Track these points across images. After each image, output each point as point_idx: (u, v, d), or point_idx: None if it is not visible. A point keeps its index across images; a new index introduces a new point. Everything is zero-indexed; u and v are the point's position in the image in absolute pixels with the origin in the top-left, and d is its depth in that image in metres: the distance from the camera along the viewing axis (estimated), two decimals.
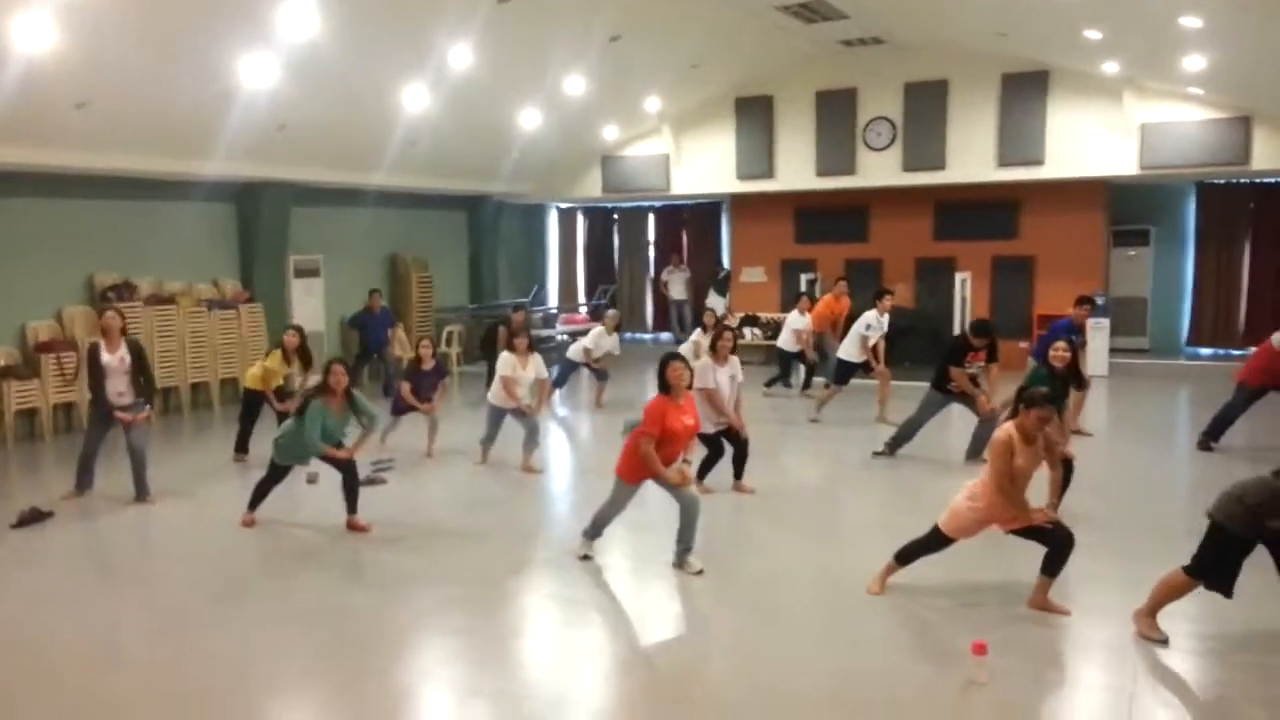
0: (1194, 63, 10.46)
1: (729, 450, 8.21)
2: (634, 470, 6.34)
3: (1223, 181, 14.85)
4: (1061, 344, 7.91)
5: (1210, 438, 9.41)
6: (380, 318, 13.72)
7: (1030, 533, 5.59)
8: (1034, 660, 5.05)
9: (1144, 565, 6.23)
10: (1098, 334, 13.67)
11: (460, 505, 8.22)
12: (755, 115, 15.42)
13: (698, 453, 7.46)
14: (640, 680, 5.04)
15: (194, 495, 8.47)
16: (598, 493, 6.86)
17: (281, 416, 8.99)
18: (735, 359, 8.22)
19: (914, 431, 9.27)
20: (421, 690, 4.92)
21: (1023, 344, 14.17)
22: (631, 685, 4.98)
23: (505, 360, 9.35)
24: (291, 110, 10.57)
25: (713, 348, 8.17)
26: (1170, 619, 5.17)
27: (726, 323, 11.95)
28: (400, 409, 9.92)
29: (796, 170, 15.26)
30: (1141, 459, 9.60)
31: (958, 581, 6.01)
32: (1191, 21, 8.45)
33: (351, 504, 7.37)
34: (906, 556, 5.85)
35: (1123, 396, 12.75)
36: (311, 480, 8.40)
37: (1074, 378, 7.92)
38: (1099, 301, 11.73)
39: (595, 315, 18.22)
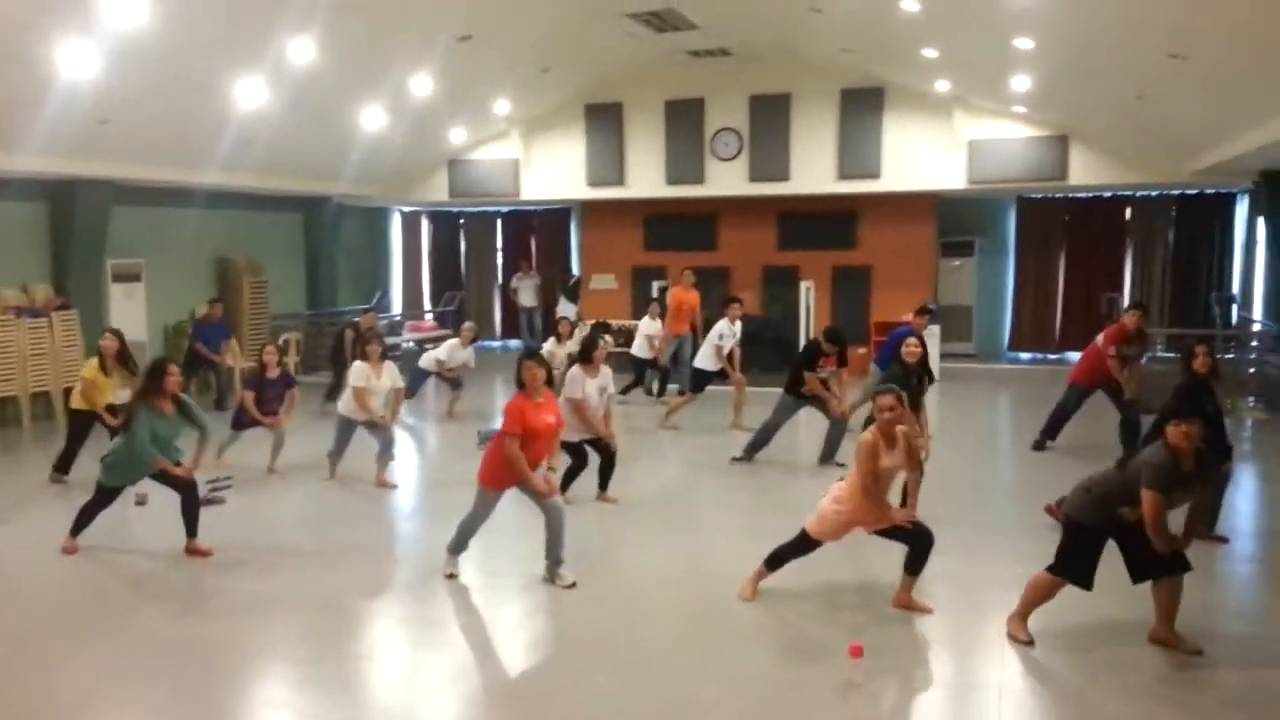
0: (1020, 83, 11.13)
1: (594, 460, 8.11)
2: (497, 475, 6.16)
3: (1040, 196, 15.91)
4: (913, 339, 8.21)
5: (1047, 436, 9.97)
6: (217, 329, 12.93)
7: (892, 533, 5.75)
8: (906, 659, 5.19)
9: (996, 562, 6.59)
10: (930, 341, 14.33)
11: (309, 524, 7.81)
12: (605, 122, 15.42)
13: (562, 461, 7.34)
14: (505, 700, 4.86)
15: (7, 520, 7.69)
16: (457, 506, 6.63)
17: (115, 433, 8.26)
18: (607, 370, 8.12)
19: (770, 436, 9.44)
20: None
21: (861, 350, 14.71)
22: (496, 707, 4.80)
23: (358, 369, 8.91)
24: (115, 103, 9.78)
25: (586, 357, 8.02)
26: (1034, 613, 5.41)
27: (594, 329, 11.80)
28: (241, 423, 9.30)
29: (646, 178, 15.34)
30: (980, 460, 10.11)
31: (825, 584, 6.12)
32: (1024, 43, 8.98)
33: (191, 527, 6.83)
34: (776, 561, 5.91)
35: (954, 400, 13.41)
36: (140, 501, 7.76)
37: (927, 373, 8.25)
38: (934, 310, 12.27)
39: (443, 322, 17.81)
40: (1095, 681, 4.87)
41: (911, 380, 7.78)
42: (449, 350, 12.15)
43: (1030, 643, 5.23)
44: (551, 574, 6.22)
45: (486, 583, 6.38)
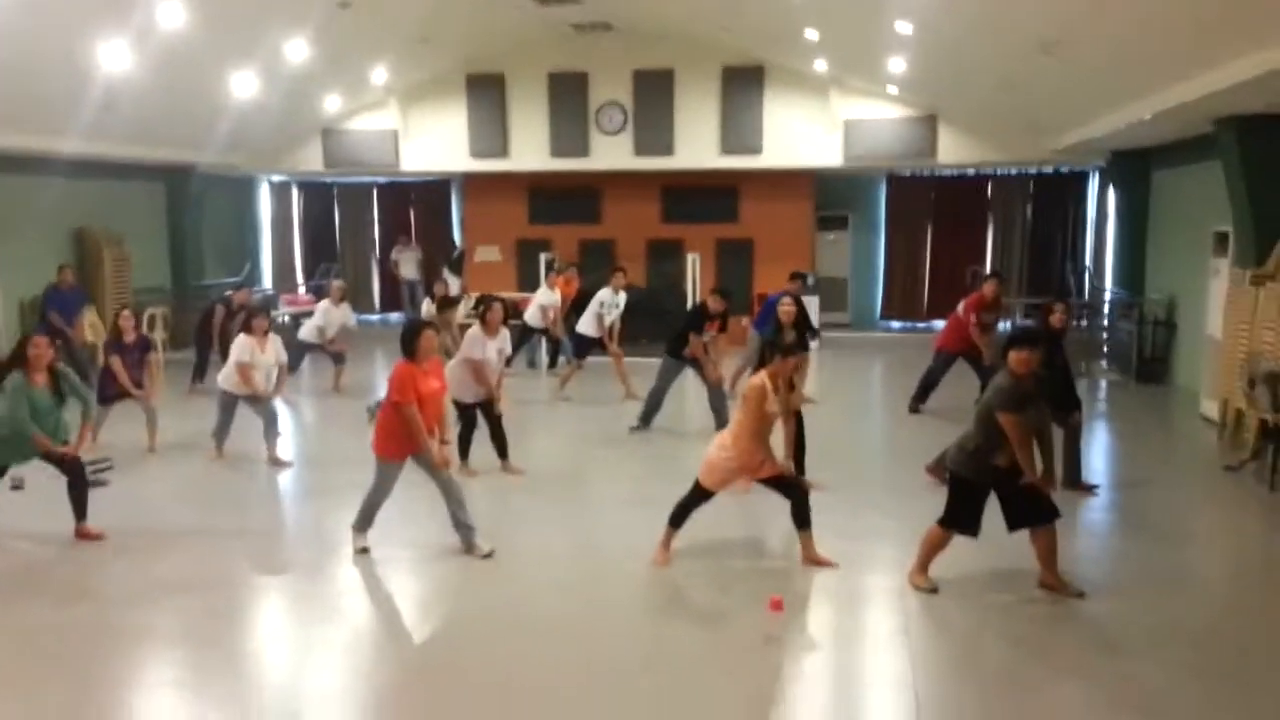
0: (896, 65, 11.55)
1: (483, 427, 8.11)
2: (395, 445, 6.12)
3: (908, 173, 16.57)
4: (786, 299, 8.48)
5: (918, 400, 10.49)
6: (72, 297, 12.19)
7: (774, 484, 5.97)
8: (818, 612, 5.44)
9: (885, 519, 6.95)
10: (810, 307, 14.81)
11: (197, 505, 7.54)
12: (487, 93, 15.21)
13: (452, 431, 7.34)
14: (422, 674, 4.86)
15: None
16: (352, 483, 6.56)
17: None
18: (505, 332, 8.16)
19: (659, 400, 9.61)
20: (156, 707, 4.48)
21: (745, 320, 15.05)
22: (413, 683, 4.79)
23: (241, 344, 8.64)
24: None
25: (482, 319, 8.01)
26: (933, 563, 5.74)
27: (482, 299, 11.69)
28: (108, 395, 8.85)
29: (531, 150, 15.23)
30: (860, 423, 10.58)
31: (722, 545, 6.33)
32: (904, 26, 9.33)
33: (80, 509, 6.52)
34: (678, 518, 6.07)
35: (832, 367, 13.91)
36: (17, 486, 7.32)
37: (809, 329, 8.46)
38: (810, 279, 12.66)
39: (319, 295, 17.27)
40: (988, 625, 5.24)
41: (789, 337, 7.95)
42: (323, 313, 11.92)
43: (934, 590, 5.56)
44: (468, 544, 6.22)
45: (392, 556, 6.31)
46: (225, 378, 8.67)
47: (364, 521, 6.31)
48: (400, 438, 6.05)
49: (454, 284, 15.68)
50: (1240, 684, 4.62)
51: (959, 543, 5.61)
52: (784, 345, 6.10)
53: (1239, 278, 9.15)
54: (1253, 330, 8.61)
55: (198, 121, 13.37)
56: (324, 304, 12.10)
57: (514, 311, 13.36)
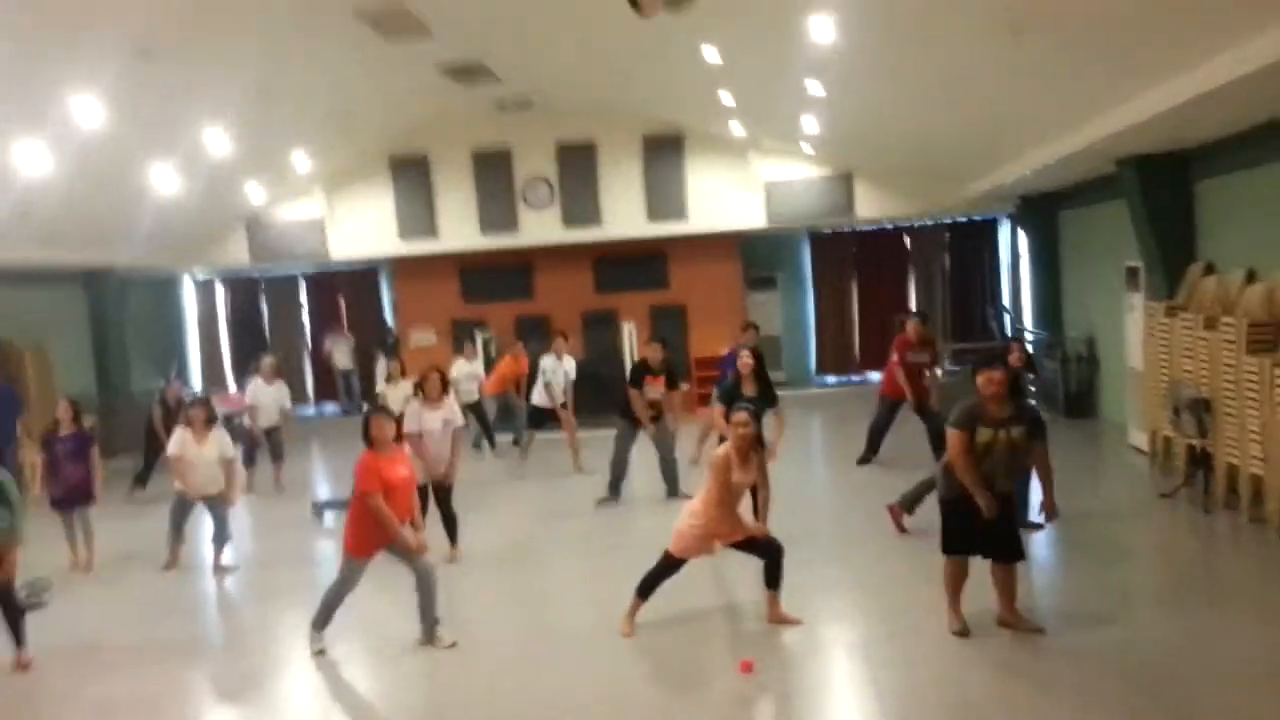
0: (809, 124, 11.95)
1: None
2: (363, 541, 6.00)
3: (830, 232, 17.04)
4: (745, 352, 8.52)
5: (870, 451, 10.62)
6: (5, 397, 11.67)
7: (747, 545, 6.00)
8: (789, 668, 5.44)
9: (839, 569, 7.02)
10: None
11: (144, 619, 7.25)
12: (412, 175, 15.29)
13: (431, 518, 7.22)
14: None
15: None
16: (301, 581, 6.40)
17: None
18: (451, 401, 7.98)
19: (622, 468, 9.52)
20: None
21: (685, 386, 15.18)
22: None
23: (177, 437, 8.23)
24: None
25: (419, 389, 7.88)
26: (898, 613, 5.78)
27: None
28: (73, 498, 8.35)
29: (459, 229, 15.30)
30: (808, 476, 10.68)
31: (692, 611, 6.31)
32: (814, 87, 9.68)
33: (17, 636, 6.20)
34: (646, 589, 6.05)
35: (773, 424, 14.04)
36: None
37: (766, 387, 8.39)
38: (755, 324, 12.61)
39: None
40: (954, 669, 5.28)
41: (749, 390, 8.04)
42: (254, 394, 11.46)
43: (963, 633, 5.56)
44: (429, 635, 6.09)
45: (350, 655, 6.14)
46: (179, 480, 8.29)
47: (322, 620, 6.15)
48: (371, 531, 5.94)
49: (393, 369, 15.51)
50: (1198, 700, 4.73)
51: (922, 586, 5.69)
52: (735, 408, 6.13)
53: (1154, 310, 9.56)
54: (1172, 360, 8.98)
55: (117, 221, 13.17)
56: (255, 383, 11.54)
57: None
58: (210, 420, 8.37)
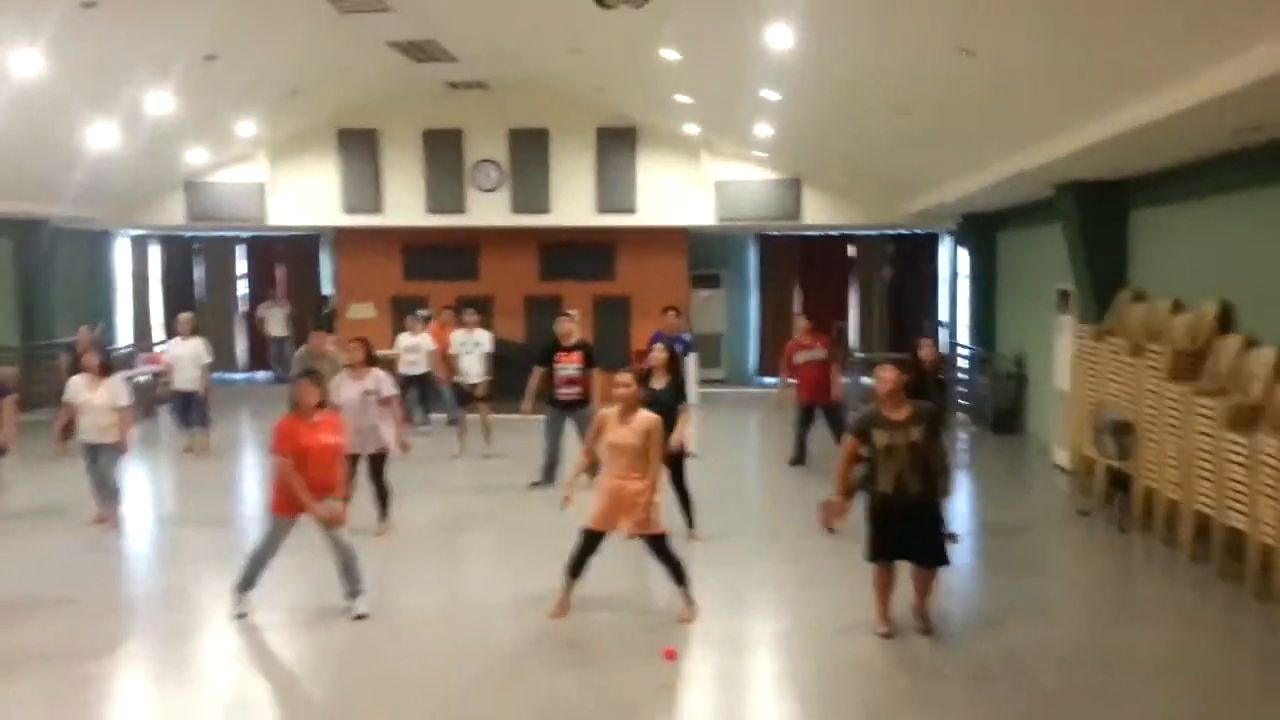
0: (763, 130, 12.06)
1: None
2: (284, 500, 5.96)
3: (777, 233, 17.20)
4: (659, 345, 8.20)
5: (800, 451, 10.72)
6: None
7: (650, 546, 5.99)
8: (710, 659, 5.52)
9: (768, 563, 7.13)
10: (689, 364, 15.06)
11: (59, 574, 7.08)
12: (359, 148, 15.08)
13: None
14: None
15: None
16: (226, 545, 6.29)
17: None
18: (378, 372, 7.88)
19: (555, 453, 9.40)
20: None
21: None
22: None
23: (72, 384, 8.13)
24: None
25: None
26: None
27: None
28: None
29: (405, 207, 15.14)
30: (739, 475, 10.80)
31: (618, 595, 6.35)
32: (770, 94, 9.78)
33: None
34: (574, 568, 6.02)
35: (709, 421, 14.13)
36: None
37: (677, 382, 8.17)
38: (687, 337, 12.71)
39: None
40: (871, 663, 5.41)
41: (659, 382, 7.76)
42: (169, 349, 11.30)
43: (888, 635, 5.65)
44: (348, 604, 6.05)
45: (272, 622, 6.06)
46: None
47: (246, 583, 6.07)
48: (290, 492, 5.87)
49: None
50: (1105, 700, 4.92)
51: (842, 585, 5.81)
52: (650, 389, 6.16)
53: (1082, 333, 9.83)
54: (1098, 382, 9.25)
55: (52, 172, 12.76)
56: (172, 342, 11.30)
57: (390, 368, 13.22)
58: (107, 369, 8.26)
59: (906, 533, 5.61)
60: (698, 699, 5.05)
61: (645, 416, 5.87)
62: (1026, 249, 13.02)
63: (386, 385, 7.89)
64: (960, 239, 15.50)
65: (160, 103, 11.14)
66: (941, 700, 5.03)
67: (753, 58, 8.40)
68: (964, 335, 15.49)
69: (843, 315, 17.54)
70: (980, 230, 14.42)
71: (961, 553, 7.67)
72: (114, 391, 8.12)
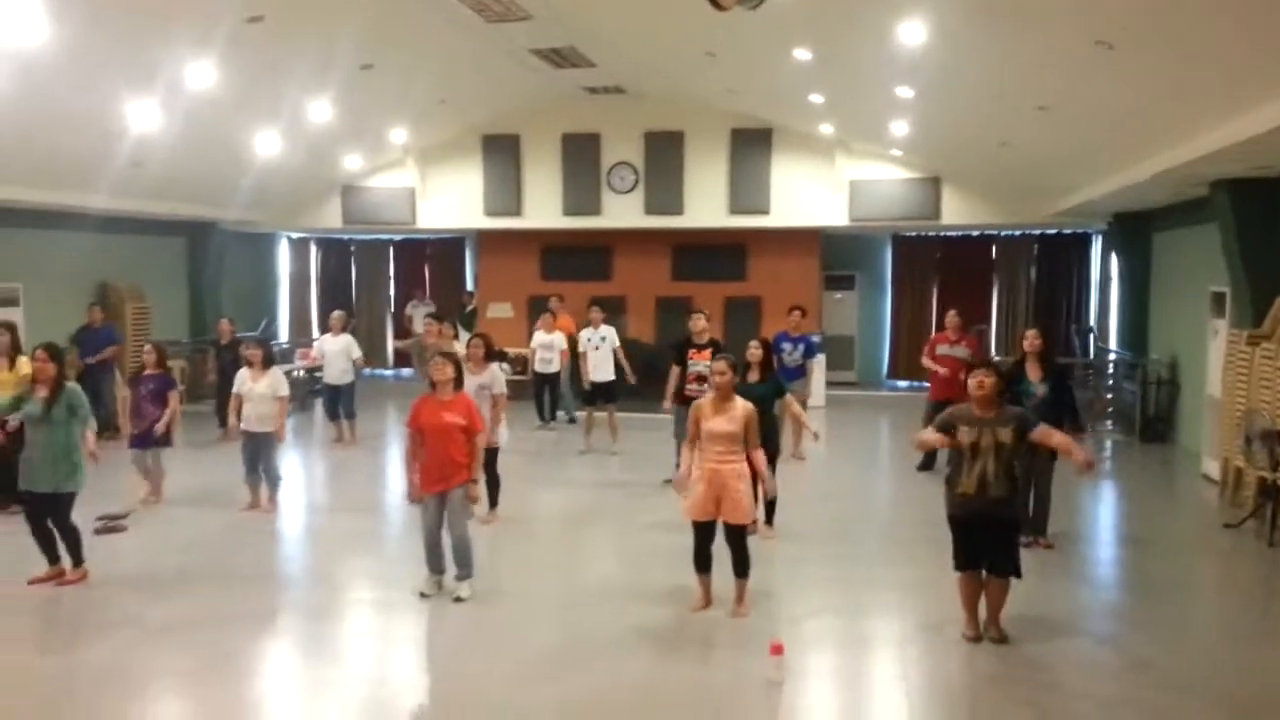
0: (899, 128, 11.88)
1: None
2: (424, 479, 6.30)
3: (914, 234, 16.85)
4: (753, 342, 8.14)
5: (929, 459, 10.51)
6: (102, 333, 12.43)
7: (726, 534, 6.04)
8: (819, 656, 5.55)
9: (884, 568, 7.07)
10: (816, 371, 14.95)
11: (213, 551, 7.67)
12: (502, 153, 15.64)
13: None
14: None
15: None
16: (368, 530, 6.67)
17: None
18: (495, 368, 8.15)
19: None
20: None
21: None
22: None
23: (238, 377, 8.77)
24: None
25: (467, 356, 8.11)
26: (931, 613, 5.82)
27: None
28: (145, 440, 8.84)
29: (544, 209, 15.61)
30: (863, 477, 10.69)
31: (728, 589, 6.43)
32: (905, 92, 9.65)
33: (76, 552, 6.70)
34: (700, 562, 6.13)
35: (838, 423, 14.04)
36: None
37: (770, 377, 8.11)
38: (802, 308, 12.49)
39: None
40: (983, 671, 5.32)
41: (750, 379, 7.68)
42: (319, 345, 11.99)
43: (975, 639, 5.62)
44: (453, 585, 6.38)
45: (408, 599, 6.42)
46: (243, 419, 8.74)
47: (430, 564, 6.43)
48: (427, 470, 6.25)
49: (464, 338, 15.92)
50: None
51: (955, 588, 5.73)
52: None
53: (1236, 338, 9.30)
54: (1250, 389, 8.74)
55: (222, 179, 13.79)
56: (323, 338, 11.97)
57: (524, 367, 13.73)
58: (268, 360, 8.78)
59: (984, 540, 5.52)
60: (802, 695, 5.08)
61: (742, 404, 5.98)
62: (1181, 249, 12.37)
63: (500, 383, 8.14)
64: (1111, 239, 14.83)
65: (320, 111, 11.90)
66: (1059, 712, 4.90)
67: (886, 55, 8.33)
68: (1114, 340, 14.82)
69: (984, 319, 17.00)
70: (1132, 230, 13.75)
71: (1102, 565, 7.47)
72: (274, 382, 8.67)
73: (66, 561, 6.69)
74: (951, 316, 10.56)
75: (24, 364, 8.33)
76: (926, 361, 10.57)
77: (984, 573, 5.61)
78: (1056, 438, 5.75)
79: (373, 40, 10.53)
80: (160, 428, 8.77)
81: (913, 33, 7.19)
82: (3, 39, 7.58)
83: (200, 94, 9.90)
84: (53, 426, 6.51)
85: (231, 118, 11.53)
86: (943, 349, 10.41)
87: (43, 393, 6.54)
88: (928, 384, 16.58)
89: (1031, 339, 7.62)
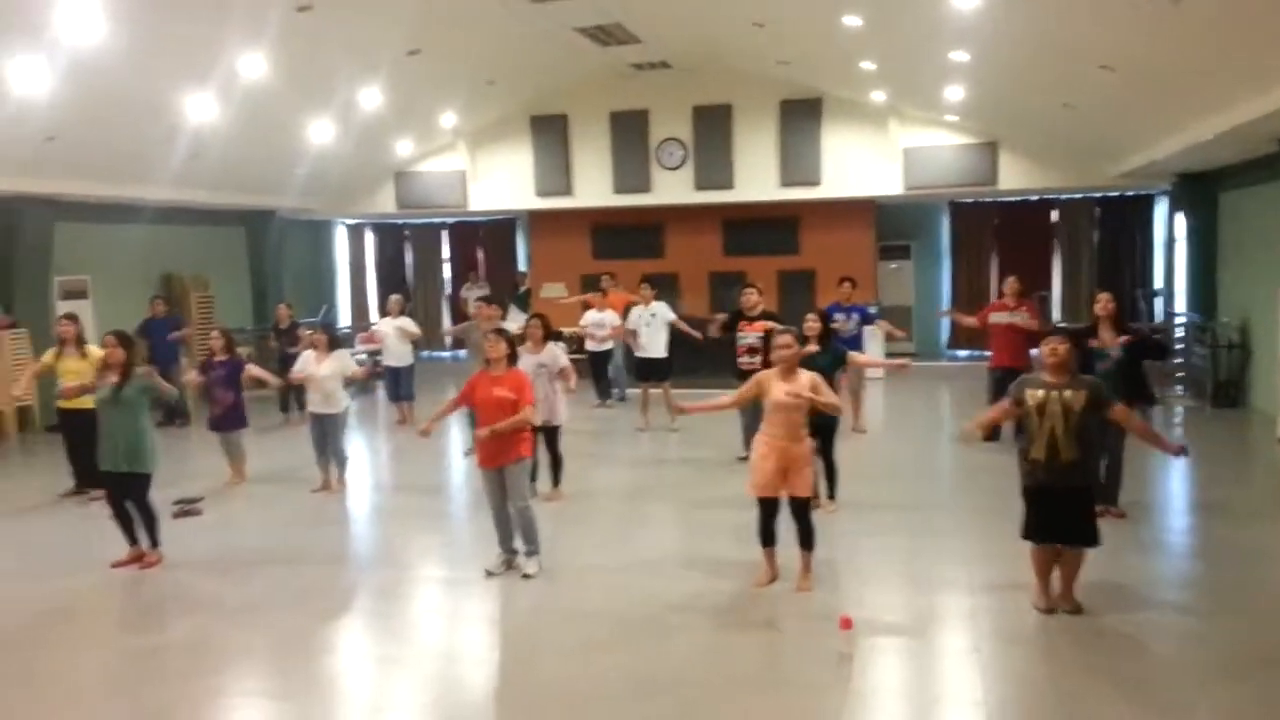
0: (954, 93, 11.65)
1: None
2: (483, 454, 6.39)
3: (971, 201, 16.54)
4: (810, 315, 8.07)
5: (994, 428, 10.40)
6: (167, 323, 12.76)
7: (798, 510, 6.03)
8: (889, 630, 5.51)
9: (950, 539, 7.00)
10: (870, 341, 14.78)
11: (286, 531, 7.84)
12: (551, 133, 15.65)
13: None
14: (478, 690, 5.06)
15: None
16: (430, 509, 6.75)
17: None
18: (554, 347, 8.20)
19: (754, 422, 9.49)
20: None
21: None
22: (469, 698, 4.99)
23: (303, 357, 8.98)
24: (63, 120, 9.69)
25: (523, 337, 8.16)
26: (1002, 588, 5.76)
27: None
28: (225, 422, 9.14)
29: (594, 188, 15.62)
30: (926, 448, 10.57)
31: (792, 561, 6.43)
32: (960, 55, 9.46)
33: (153, 534, 6.91)
34: (765, 536, 6.14)
35: (898, 393, 13.89)
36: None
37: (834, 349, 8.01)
38: (851, 279, 12.36)
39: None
40: (1057, 643, 5.25)
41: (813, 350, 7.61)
42: (379, 327, 12.25)
43: (1048, 610, 5.57)
44: (521, 561, 6.49)
45: (474, 576, 6.52)
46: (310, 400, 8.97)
47: (500, 538, 6.53)
48: (479, 444, 6.36)
49: (519, 319, 16.02)
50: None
51: (1024, 558, 5.67)
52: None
53: None
54: None
55: (278, 168, 14.01)
56: (382, 321, 12.22)
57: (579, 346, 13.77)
58: (332, 344, 8.97)
59: (1057, 510, 5.42)
60: (873, 668, 5.06)
61: (807, 375, 5.99)
62: (1251, 209, 11.98)
63: (561, 359, 8.17)
64: (1176, 200, 14.41)
65: (370, 98, 12.02)
66: (1138, 683, 4.82)
67: (940, 18, 8.17)
68: (1181, 303, 14.43)
69: (1045, 284, 16.65)
70: (1198, 190, 13.34)
71: (1174, 533, 7.32)
72: (341, 364, 8.89)
73: (145, 543, 6.89)
74: (1011, 283, 10.37)
75: (94, 352, 8.62)
76: (976, 320, 10.45)
77: (1060, 545, 5.52)
78: (1137, 424, 5.64)
79: (419, 25, 10.59)
80: (243, 412, 9.12)
81: None
82: (66, 38, 7.78)
83: (254, 84, 10.05)
84: (122, 409, 6.72)
85: (285, 107, 11.68)
86: (1000, 316, 10.24)
87: (113, 377, 6.74)
88: (989, 352, 16.52)
89: (1104, 303, 7.45)
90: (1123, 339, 7.29)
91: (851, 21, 9.44)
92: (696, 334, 11.56)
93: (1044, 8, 7.74)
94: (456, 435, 11.29)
